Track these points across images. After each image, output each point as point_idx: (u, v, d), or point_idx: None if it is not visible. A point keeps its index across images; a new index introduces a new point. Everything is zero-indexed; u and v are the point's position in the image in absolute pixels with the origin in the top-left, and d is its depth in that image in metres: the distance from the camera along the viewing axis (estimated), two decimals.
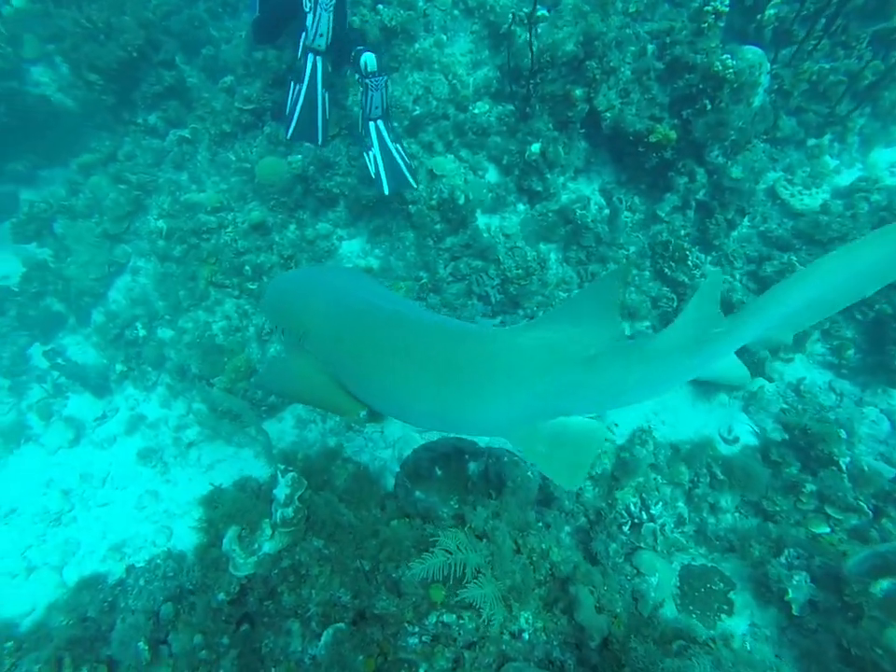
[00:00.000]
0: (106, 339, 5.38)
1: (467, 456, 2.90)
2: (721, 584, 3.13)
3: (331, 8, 4.32)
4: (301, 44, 4.40)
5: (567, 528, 3.40)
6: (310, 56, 4.39)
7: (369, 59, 4.32)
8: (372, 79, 4.36)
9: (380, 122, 4.53)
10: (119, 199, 5.03)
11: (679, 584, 3.19)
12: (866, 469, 3.22)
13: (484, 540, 2.31)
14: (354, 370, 2.11)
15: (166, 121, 5.69)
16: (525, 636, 2.24)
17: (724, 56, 3.93)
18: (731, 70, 3.88)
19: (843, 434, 3.30)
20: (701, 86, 4.18)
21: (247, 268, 4.66)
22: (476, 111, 5.08)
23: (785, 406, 4.84)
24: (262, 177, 4.68)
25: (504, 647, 2.21)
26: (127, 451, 5.27)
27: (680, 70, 4.29)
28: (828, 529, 3.04)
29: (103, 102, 5.42)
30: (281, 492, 2.40)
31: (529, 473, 2.78)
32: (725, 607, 3.04)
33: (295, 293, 2.36)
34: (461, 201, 4.68)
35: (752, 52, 4.08)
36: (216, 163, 5.13)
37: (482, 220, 5.13)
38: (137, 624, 2.75)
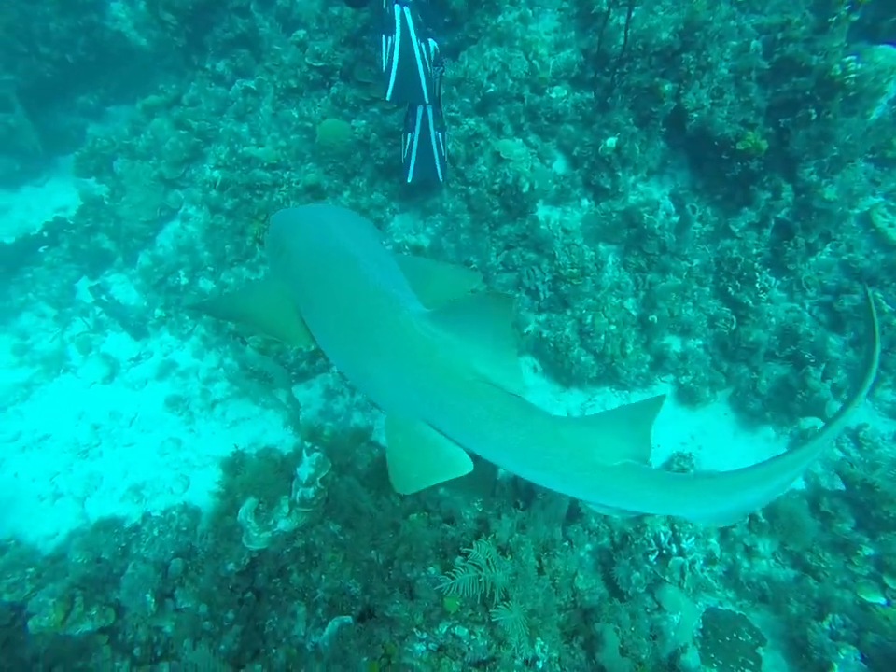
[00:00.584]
0: (150, 282, 5.41)
1: None
2: (749, 636, 2.91)
3: None
4: None
5: (589, 546, 3.23)
6: (396, 7, 4.01)
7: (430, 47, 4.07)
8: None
9: (428, 108, 4.27)
10: (179, 144, 4.99)
11: (702, 627, 2.99)
12: None
13: (509, 556, 2.16)
14: (308, 305, 2.17)
15: (234, 70, 5.59)
16: (539, 664, 2.10)
17: (848, 59, 3.49)
18: (852, 76, 3.45)
19: None
20: (810, 92, 3.77)
21: None
22: (553, 95, 4.79)
23: (839, 452, 4.52)
24: (323, 139, 4.53)
25: None
26: (156, 395, 5.33)
27: (789, 72, 3.89)
28: (883, 601, 2.76)
29: (174, 43, 5.35)
30: (304, 471, 2.30)
31: None
32: (751, 662, 2.82)
33: (290, 227, 2.38)
34: (525, 189, 4.44)
35: (885, 54, 3.59)
36: (277, 119, 5.01)
37: (542, 211, 4.88)
38: (147, 576, 2.75)
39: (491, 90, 4.71)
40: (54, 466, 4.94)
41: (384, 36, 4.03)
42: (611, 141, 4.46)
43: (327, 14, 5.17)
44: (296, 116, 4.96)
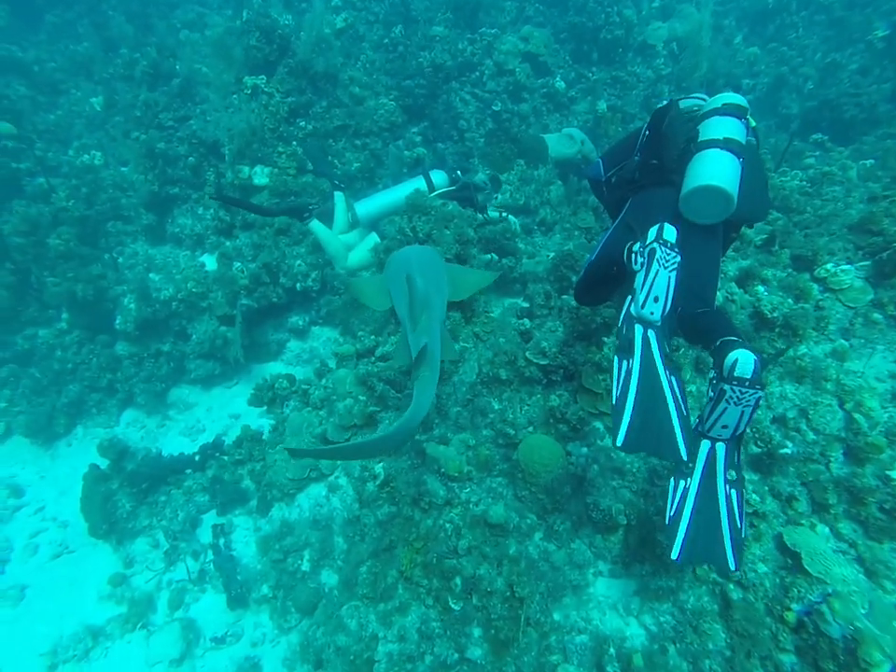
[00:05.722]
0: (269, 549, 4.39)
1: None
2: None
3: (675, 266, 2.67)
4: (625, 310, 2.71)
5: None
6: (637, 328, 2.64)
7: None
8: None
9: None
10: (353, 408, 4.27)
11: None
12: None
13: None
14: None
15: None
16: None
17: None
18: None
19: None
20: None
21: (458, 579, 3.18)
22: (893, 474, 3.07)
23: None
24: (527, 463, 3.34)
25: None
26: None
27: None
28: None
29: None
30: None
31: None
32: None
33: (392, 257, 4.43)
34: (875, 655, 2.52)
35: None
36: (472, 407, 4.07)
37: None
38: None
39: (786, 450, 3.17)
40: None
41: (617, 358, 2.65)
42: None
43: (560, 302, 4.44)
44: (496, 408, 3.96)
